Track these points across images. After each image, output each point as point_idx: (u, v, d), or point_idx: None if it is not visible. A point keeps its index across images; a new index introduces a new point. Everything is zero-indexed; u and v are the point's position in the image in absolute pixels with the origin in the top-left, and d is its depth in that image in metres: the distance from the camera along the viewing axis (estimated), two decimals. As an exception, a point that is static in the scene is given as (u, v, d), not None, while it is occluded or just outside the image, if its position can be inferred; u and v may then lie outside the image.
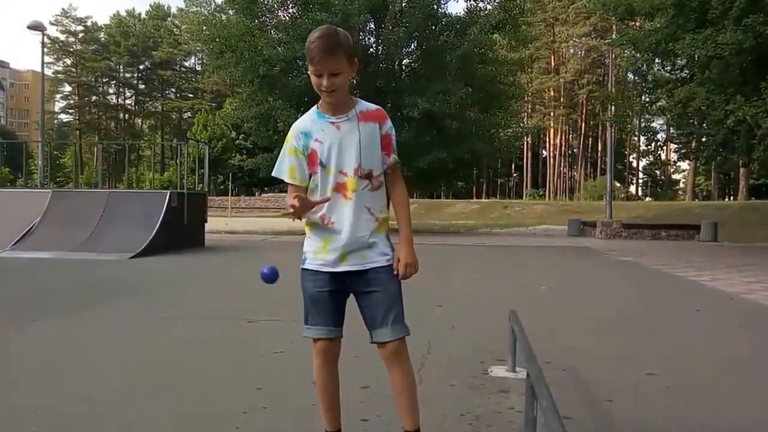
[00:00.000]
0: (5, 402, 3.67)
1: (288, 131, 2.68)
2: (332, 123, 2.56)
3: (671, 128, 30.54)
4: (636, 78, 23.85)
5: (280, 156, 2.65)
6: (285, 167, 2.61)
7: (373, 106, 2.63)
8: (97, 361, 4.67)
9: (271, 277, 2.55)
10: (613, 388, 4.04)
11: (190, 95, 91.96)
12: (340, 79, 2.47)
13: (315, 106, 2.63)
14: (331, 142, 2.55)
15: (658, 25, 18.37)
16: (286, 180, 2.60)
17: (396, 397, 2.66)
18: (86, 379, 4.17)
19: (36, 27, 26.78)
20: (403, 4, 23.35)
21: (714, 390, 4.13)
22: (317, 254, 2.60)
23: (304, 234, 2.69)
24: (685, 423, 3.46)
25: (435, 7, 24.67)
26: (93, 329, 5.93)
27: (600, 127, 62.22)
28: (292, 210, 2.42)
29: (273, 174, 2.70)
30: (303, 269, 2.64)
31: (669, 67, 20.84)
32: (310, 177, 2.59)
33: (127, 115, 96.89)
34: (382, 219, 2.63)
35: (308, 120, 2.61)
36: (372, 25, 25.12)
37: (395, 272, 2.60)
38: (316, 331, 2.62)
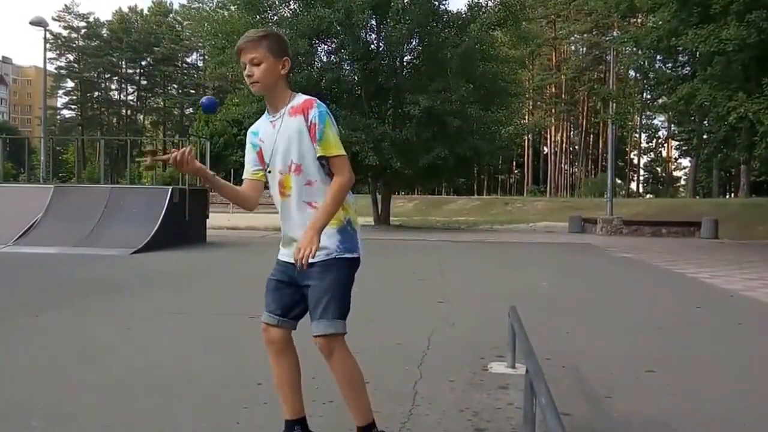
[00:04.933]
0: (6, 397, 3.69)
1: None
2: (271, 122, 2.63)
3: (672, 125, 30.51)
4: (637, 75, 23.79)
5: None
6: (247, 167, 2.73)
7: (303, 98, 2.60)
8: (99, 356, 4.69)
9: (210, 107, 2.70)
10: (612, 385, 4.06)
11: (192, 91, 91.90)
12: (261, 70, 2.51)
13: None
14: (268, 141, 2.63)
15: (660, 22, 18.34)
16: (244, 176, 2.72)
17: (342, 394, 2.69)
18: (87, 374, 4.20)
19: (38, 23, 26.81)
20: (405, 1, 23.29)
21: (713, 387, 4.15)
22: (281, 247, 2.73)
23: None
24: (685, 420, 3.47)
25: (436, 3, 24.62)
26: (95, 324, 5.95)
27: (601, 124, 62.12)
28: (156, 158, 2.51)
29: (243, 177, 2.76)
30: None
31: (671, 64, 20.81)
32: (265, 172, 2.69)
33: (129, 111, 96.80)
34: (322, 207, 2.59)
35: (261, 119, 2.71)
36: (373, 22, 25.08)
37: (338, 269, 2.59)
38: (263, 316, 2.69)
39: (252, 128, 2.72)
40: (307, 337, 2.65)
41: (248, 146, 2.71)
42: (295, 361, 2.73)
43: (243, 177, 2.71)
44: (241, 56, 2.55)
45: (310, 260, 2.42)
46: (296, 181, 2.59)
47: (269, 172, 2.65)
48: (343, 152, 2.55)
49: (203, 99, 2.73)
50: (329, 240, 2.56)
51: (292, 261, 2.51)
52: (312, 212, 2.55)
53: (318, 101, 2.59)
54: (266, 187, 2.72)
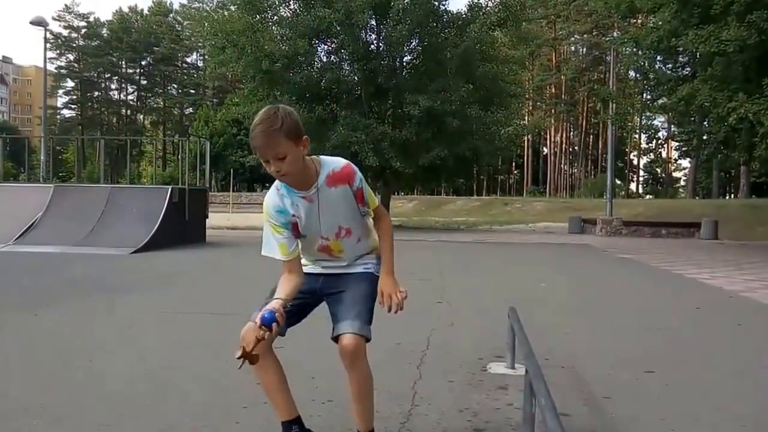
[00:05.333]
0: (6, 395, 3.68)
1: None
2: (303, 198, 2.54)
3: (672, 126, 30.49)
4: (637, 76, 23.79)
5: (264, 235, 2.62)
6: (275, 246, 2.58)
7: (339, 165, 2.55)
8: (98, 356, 4.69)
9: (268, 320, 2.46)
10: (611, 385, 4.06)
11: (192, 91, 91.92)
12: (287, 162, 2.39)
13: (277, 181, 2.56)
14: (306, 214, 2.56)
15: (661, 22, 18.34)
16: (280, 258, 2.58)
17: (352, 399, 2.66)
18: (86, 373, 4.20)
19: (38, 23, 26.82)
20: (406, 2, 23.29)
21: (713, 388, 4.14)
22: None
23: None
24: (684, 420, 3.48)
25: (436, 4, 24.63)
26: (94, 324, 5.95)
27: (601, 125, 62.15)
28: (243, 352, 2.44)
29: (263, 253, 2.63)
30: None
31: (671, 65, 20.81)
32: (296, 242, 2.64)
33: (129, 111, 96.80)
34: (372, 248, 2.77)
35: (277, 197, 2.56)
36: (373, 22, 25.09)
37: (373, 283, 2.66)
38: (252, 316, 2.62)
39: (274, 208, 2.56)
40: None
41: (276, 227, 2.57)
42: (278, 363, 2.71)
43: (285, 260, 2.58)
44: (258, 153, 2.41)
45: (349, 271, 2.68)
46: (347, 243, 2.65)
47: (304, 237, 2.63)
48: (377, 200, 2.70)
49: (265, 313, 2.45)
50: (368, 259, 2.74)
51: (324, 273, 2.70)
52: (362, 257, 2.73)
53: (353, 166, 2.60)
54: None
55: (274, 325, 2.39)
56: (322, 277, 2.70)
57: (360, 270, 2.68)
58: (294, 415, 2.73)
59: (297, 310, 2.67)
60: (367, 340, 2.55)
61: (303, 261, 2.72)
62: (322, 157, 2.58)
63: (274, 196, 2.56)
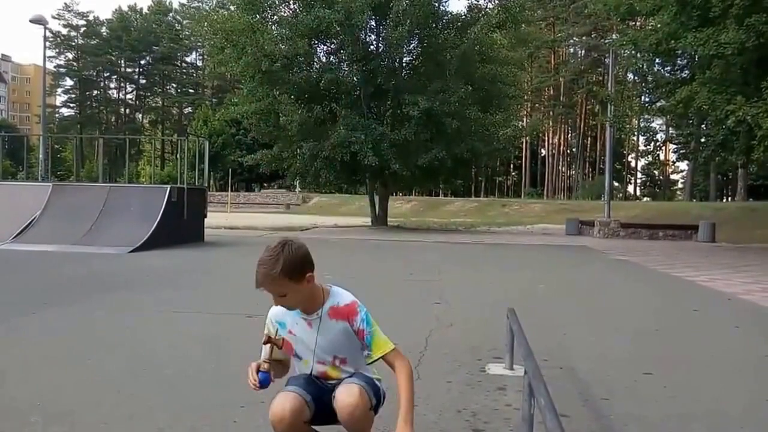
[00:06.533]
0: (5, 393, 3.69)
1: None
2: (305, 320, 2.57)
3: (670, 128, 30.51)
4: (636, 78, 23.85)
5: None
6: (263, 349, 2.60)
7: (344, 300, 2.57)
8: (96, 354, 4.69)
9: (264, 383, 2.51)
10: (610, 386, 4.07)
11: (191, 90, 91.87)
12: (288, 299, 2.47)
13: None
14: (304, 338, 2.58)
15: (660, 24, 18.36)
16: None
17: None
18: (85, 371, 4.20)
19: (38, 21, 26.78)
20: (405, 3, 23.30)
21: (711, 389, 4.15)
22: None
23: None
24: (682, 422, 3.48)
25: (436, 5, 24.65)
26: (92, 322, 5.95)
27: (599, 127, 62.19)
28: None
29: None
30: None
31: (669, 67, 20.84)
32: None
33: (127, 110, 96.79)
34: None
35: (282, 309, 2.60)
36: (373, 23, 25.10)
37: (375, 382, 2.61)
38: (285, 388, 2.57)
39: (275, 318, 2.65)
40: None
41: (270, 330, 2.63)
42: None
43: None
44: (263, 289, 2.47)
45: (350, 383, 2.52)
46: (344, 370, 2.61)
47: (299, 358, 2.63)
48: (393, 344, 2.58)
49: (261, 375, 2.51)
50: (370, 389, 2.56)
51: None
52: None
53: (359, 303, 2.58)
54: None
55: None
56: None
57: (360, 381, 2.57)
58: None
59: (322, 400, 2.56)
60: (372, 407, 2.49)
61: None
62: (334, 288, 2.61)
63: (279, 307, 2.60)
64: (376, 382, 2.64)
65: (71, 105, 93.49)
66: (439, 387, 3.94)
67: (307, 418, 2.51)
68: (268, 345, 2.55)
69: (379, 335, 2.55)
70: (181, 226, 15.12)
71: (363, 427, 2.51)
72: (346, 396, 2.44)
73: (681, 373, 4.55)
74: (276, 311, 2.64)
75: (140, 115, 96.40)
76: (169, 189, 15.06)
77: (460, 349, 4.96)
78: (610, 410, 3.61)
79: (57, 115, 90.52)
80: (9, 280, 8.89)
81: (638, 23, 24.67)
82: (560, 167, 77.67)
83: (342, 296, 2.58)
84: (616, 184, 63.71)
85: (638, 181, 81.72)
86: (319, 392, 2.56)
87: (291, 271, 2.41)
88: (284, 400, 2.48)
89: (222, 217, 27.71)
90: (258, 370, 2.50)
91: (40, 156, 29.07)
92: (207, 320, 6.15)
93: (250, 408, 3.41)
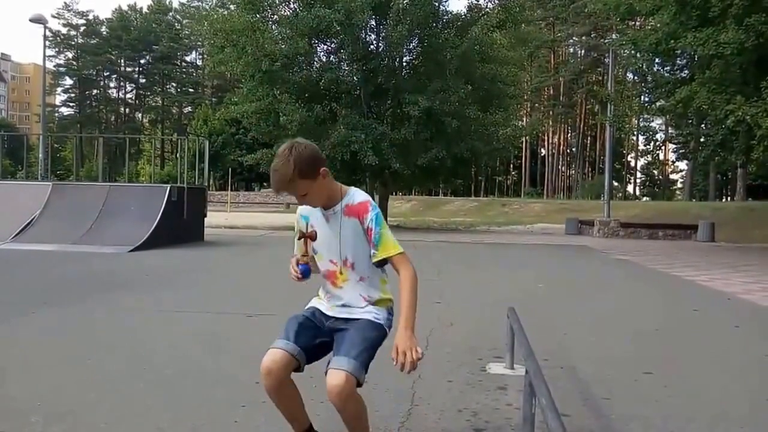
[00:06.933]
0: (5, 393, 3.69)
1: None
2: (323, 215, 2.65)
3: (670, 128, 30.50)
4: (636, 78, 23.84)
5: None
6: (295, 245, 2.76)
7: (358, 198, 2.63)
8: (96, 354, 4.68)
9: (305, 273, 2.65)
10: (610, 386, 4.07)
11: (191, 90, 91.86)
12: (309, 197, 2.57)
13: None
14: (321, 231, 2.66)
15: (659, 24, 18.37)
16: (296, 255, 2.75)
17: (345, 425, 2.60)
18: (85, 371, 4.20)
19: (38, 20, 26.78)
20: (405, 2, 23.28)
21: (711, 389, 4.16)
22: (323, 300, 2.77)
23: None
24: (683, 421, 3.48)
25: (436, 4, 24.64)
26: (92, 322, 5.95)
27: (598, 127, 62.17)
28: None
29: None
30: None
31: (669, 67, 20.85)
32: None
33: (127, 109, 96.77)
34: (377, 299, 2.67)
35: (307, 207, 2.71)
36: (373, 23, 25.07)
37: (380, 333, 2.61)
38: (275, 342, 2.59)
39: (301, 212, 2.75)
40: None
41: (301, 225, 2.75)
42: (296, 390, 2.68)
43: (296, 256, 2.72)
44: (285, 193, 2.58)
45: (358, 317, 2.60)
46: (351, 276, 2.65)
47: (316, 253, 2.70)
48: (401, 249, 2.59)
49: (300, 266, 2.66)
50: (380, 312, 2.65)
51: (333, 315, 2.67)
52: (363, 301, 2.64)
53: (372, 202, 2.64)
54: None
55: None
56: (332, 318, 2.68)
57: (369, 318, 2.62)
58: (307, 425, 2.77)
59: (319, 344, 2.65)
60: (359, 384, 2.46)
61: (320, 294, 2.78)
62: (351, 188, 2.68)
63: (305, 206, 2.71)
64: (375, 322, 2.63)
65: (71, 104, 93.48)
66: (440, 386, 3.94)
67: (295, 367, 2.59)
68: (302, 240, 2.68)
69: (388, 237, 2.59)
70: (181, 226, 15.12)
71: (355, 409, 2.52)
72: (333, 378, 2.43)
73: (681, 372, 4.56)
74: (302, 208, 2.74)
75: (140, 115, 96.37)
76: (169, 188, 15.06)
77: (461, 349, 4.96)
78: (611, 410, 3.62)
79: (57, 115, 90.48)
80: (9, 280, 8.89)
81: (638, 23, 24.71)
82: (560, 167, 77.69)
83: (357, 195, 2.65)
84: (615, 183, 63.72)
85: (638, 180, 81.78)
86: (312, 336, 2.63)
87: (304, 170, 2.49)
88: (271, 357, 2.55)
89: (222, 216, 27.74)
90: (298, 263, 2.64)
91: (40, 155, 29.06)
92: (207, 320, 6.15)
93: (250, 408, 3.41)
